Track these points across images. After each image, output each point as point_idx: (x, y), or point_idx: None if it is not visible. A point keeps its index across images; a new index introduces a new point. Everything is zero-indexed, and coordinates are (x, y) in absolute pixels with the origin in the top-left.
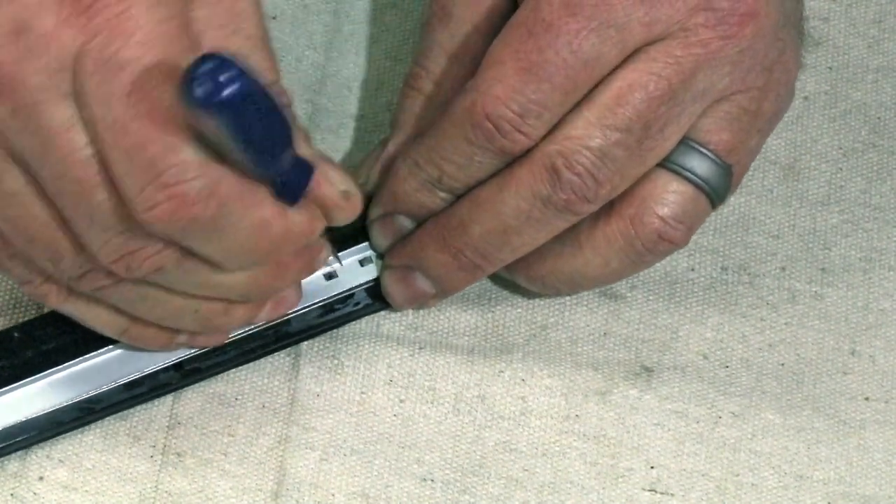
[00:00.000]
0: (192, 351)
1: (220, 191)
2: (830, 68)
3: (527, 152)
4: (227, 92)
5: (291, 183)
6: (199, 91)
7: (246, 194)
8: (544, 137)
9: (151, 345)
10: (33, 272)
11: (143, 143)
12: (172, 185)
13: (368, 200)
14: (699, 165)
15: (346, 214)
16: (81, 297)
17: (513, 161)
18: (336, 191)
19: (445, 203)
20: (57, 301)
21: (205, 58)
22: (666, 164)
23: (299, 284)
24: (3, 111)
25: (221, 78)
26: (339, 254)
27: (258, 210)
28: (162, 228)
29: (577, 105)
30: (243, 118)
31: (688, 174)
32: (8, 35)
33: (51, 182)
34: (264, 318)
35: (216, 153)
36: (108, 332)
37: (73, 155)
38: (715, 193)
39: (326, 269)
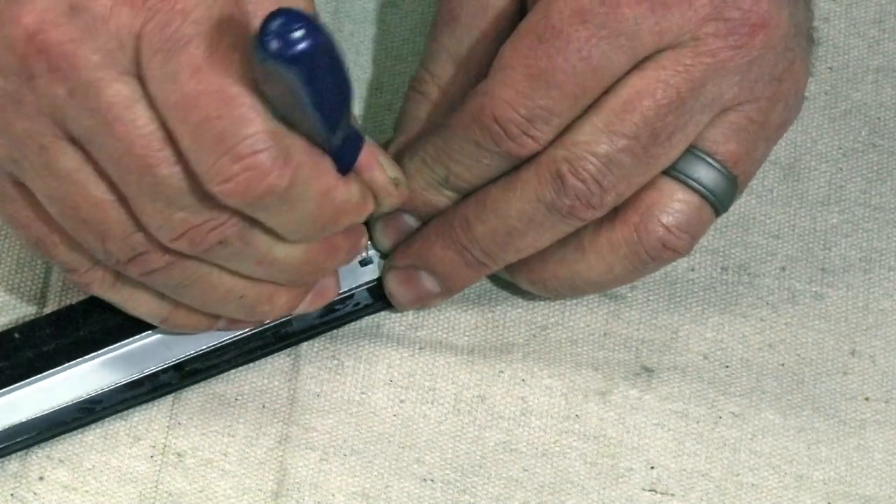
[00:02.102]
0: (193, 351)
1: (292, 159)
2: (830, 68)
3: (534, 156)
4: (302, 45)
5: (346, 151)
6: (273, 45)
7: (314, 162)
8: (552, 142)
9: (191, 330)
10: (80, 259)
11: (213, 116)
12: (247, 157)
13: None
14: (705, 175)
15: (394, 201)
16: (126, 285)
17: (520, 164)
18: (387, 177)
19: (451, 202)
20: (101, 289)
21: (277, 13)
22: (672, 172)
23: (338, 277)
24: (61, 91)
25: (295, 31)
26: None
27: (324, 178)
28: (236, 200)
29: (586, 111)
30: (316, 71)
31: (693, 184)
32: (64, 15)
33: (111, 160)
34: (304, 309)
35: (282, 121)
36: (149, 319)
37: (135, 131)
38: (720, 203)
39: (362, 256)
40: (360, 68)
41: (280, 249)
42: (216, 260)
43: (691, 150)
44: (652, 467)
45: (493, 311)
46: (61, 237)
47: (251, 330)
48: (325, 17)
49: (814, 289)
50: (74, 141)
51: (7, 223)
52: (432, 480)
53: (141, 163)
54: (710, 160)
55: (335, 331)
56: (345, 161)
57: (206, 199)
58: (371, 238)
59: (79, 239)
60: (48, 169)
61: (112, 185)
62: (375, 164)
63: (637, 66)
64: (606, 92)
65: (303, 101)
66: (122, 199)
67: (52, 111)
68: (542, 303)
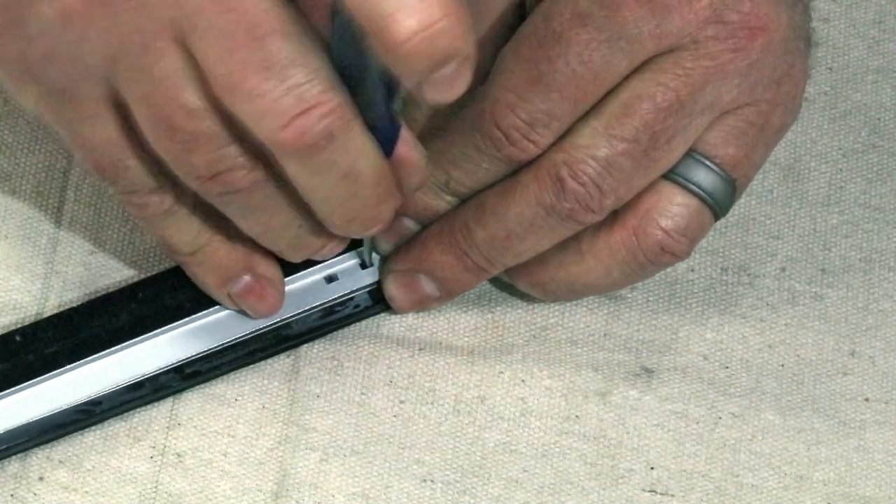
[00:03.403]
0: (193, 353)
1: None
2: (830, 69)
3: (534, 160)
4: None
5: (392, 133)
6: None
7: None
8: (552, 145)
9: (210, 277)
10: (145, 181)
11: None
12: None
13: None
14: (704, 179)
15: (423, 178)
16: (179, 211)
17: (520, 167)
18: (420, 153)
19: (451, 206)
20: (153, 212)
21: None
22: (671, 175)
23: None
24: None
25: None
26: (340, 256)
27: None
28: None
29: (586, 115)
30: None
31: (692, 187)
32: None
33: (219, 37)
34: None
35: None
36: (181, 249)
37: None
38: (718, 206)
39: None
40: None
41: (365, 160)
42: (307, 167)
43: (690, 154)
44: (652, 468)
45: (493, 312)
46: (136, 159)
47: (251, 332)
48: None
49: (814, 289)
50: (180, 42)
51: (77, 145)
52: (432, 481)
53: (252, 33)
54: (709, 164)
55: (335, 332)
56: (389, 143)
57: (317, 73)
58: (372, 241)
59: (161, 149)
60: (147, 72)
61: (210, 95)
62: (410, 139)
63: (637, 69)
64: (606, 95)
65: (372, 61)
66: (218, 111)
67: None
68: (541, 304)
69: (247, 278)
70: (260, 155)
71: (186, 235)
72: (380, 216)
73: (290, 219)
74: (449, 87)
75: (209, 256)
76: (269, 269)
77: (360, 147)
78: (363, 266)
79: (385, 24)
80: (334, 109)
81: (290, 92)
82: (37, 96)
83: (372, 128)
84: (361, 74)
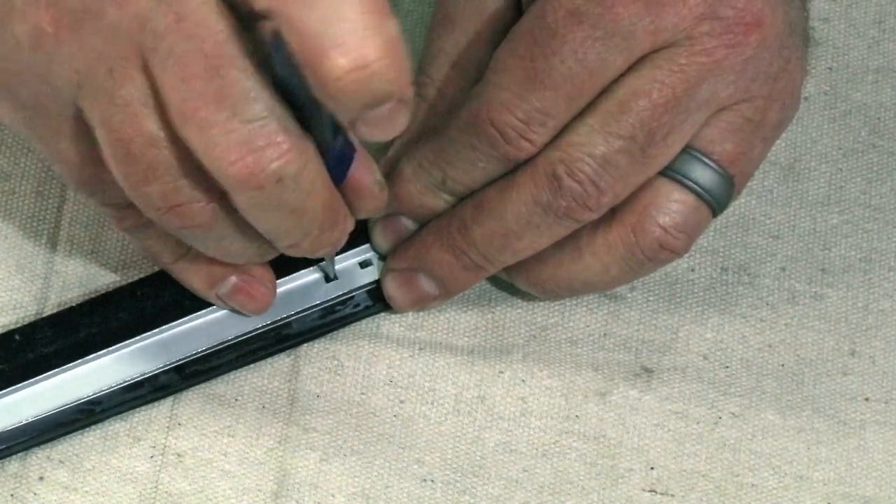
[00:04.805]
0: (193, 353)
1: None
2: (830, 69)
3: (531, 158)
4: None
5: (343, 158)
6: None
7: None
8: (548, 144)
9: (196, 282)
10: (122, 194)
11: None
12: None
13: None
14: (702, 175)
15: (377, 204)
16: (156, 224)
17: (516, 166)
18: (373, 178)
19: (448, 205)
20: (133, 224)
21: None
22: (668, 172)
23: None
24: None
25: None
26: (340, 255)
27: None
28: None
29: (582, 112)
30: None
31: (690, 184)
32: None
33: (179, 63)
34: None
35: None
36: (162, 258)
37: (207, 30)
38: (717, 203)
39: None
40: None
41: (313, 198)
42: (254, 202)
43: (687, 150)
44: (652, 468)
45: (493, 312)
46: (110, 176)
47: (251, 331)
48: None
49: (814, 289)
50: (144, 70)
51: (52, 160)
52: (432, 481)
53: (210, 62)
54: (706, 160)
55: (335, 332)
56: (341, 168)
57: (272, 111)
58: (370, 240)
59: (119, 176)
60: (109, 96)
61: (169, 125)
62: (364, 166)
63: (632, 66)
64: (602, 93)
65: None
66: (176, 142)
67: (132, 23)
68: (541, 303)
69: (233, 279)
70: (217, 186)
71: (167, 245)
72: (326, 243)
73: (248, 243)
74: (382, 127)
75: (192, 262)
76: (257, 267)
77: (309, 187)
78: (363, 265)
79: (320, 60)
80: (286, 152)
81: (243, 127)
82: (11, 111)
83: (322, 152)
84: (308, 102)
